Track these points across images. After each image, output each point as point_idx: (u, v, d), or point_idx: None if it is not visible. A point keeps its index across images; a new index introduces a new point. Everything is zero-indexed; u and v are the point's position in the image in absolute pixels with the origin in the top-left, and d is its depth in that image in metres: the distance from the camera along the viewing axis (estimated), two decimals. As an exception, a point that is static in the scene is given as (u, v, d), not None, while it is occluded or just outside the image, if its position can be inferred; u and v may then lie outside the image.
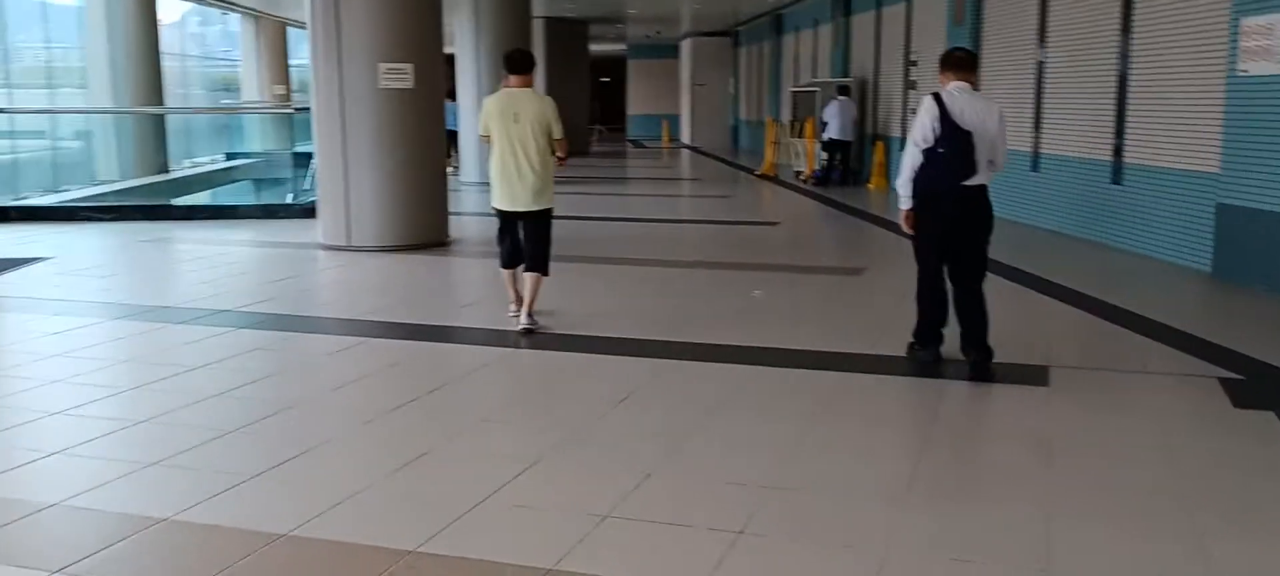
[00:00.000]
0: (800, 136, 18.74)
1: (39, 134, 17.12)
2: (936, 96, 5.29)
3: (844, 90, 17.37)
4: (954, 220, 5.36)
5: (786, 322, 7.04)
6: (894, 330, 6.19)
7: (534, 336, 6.47)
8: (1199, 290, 8.17)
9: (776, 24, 25.39)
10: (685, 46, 33.75)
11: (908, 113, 15.91)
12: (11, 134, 15.48)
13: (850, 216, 13.11)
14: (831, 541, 3.47)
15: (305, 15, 10.28)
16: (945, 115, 5.19)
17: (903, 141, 16.00)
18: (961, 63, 5.46)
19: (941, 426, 4.92)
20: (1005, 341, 5.81)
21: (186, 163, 23.49)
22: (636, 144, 33.46)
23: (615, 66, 40.86)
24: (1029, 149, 11.96)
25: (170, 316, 7.03)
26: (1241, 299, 7.69)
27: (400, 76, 9.90)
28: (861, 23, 18.52)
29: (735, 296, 7.96)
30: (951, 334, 5.69)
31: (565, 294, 7.76)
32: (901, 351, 5.91)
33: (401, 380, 5.65)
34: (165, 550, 3.41)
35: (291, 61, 30.72)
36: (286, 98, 28.87)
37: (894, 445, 4.62)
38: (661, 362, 5.82)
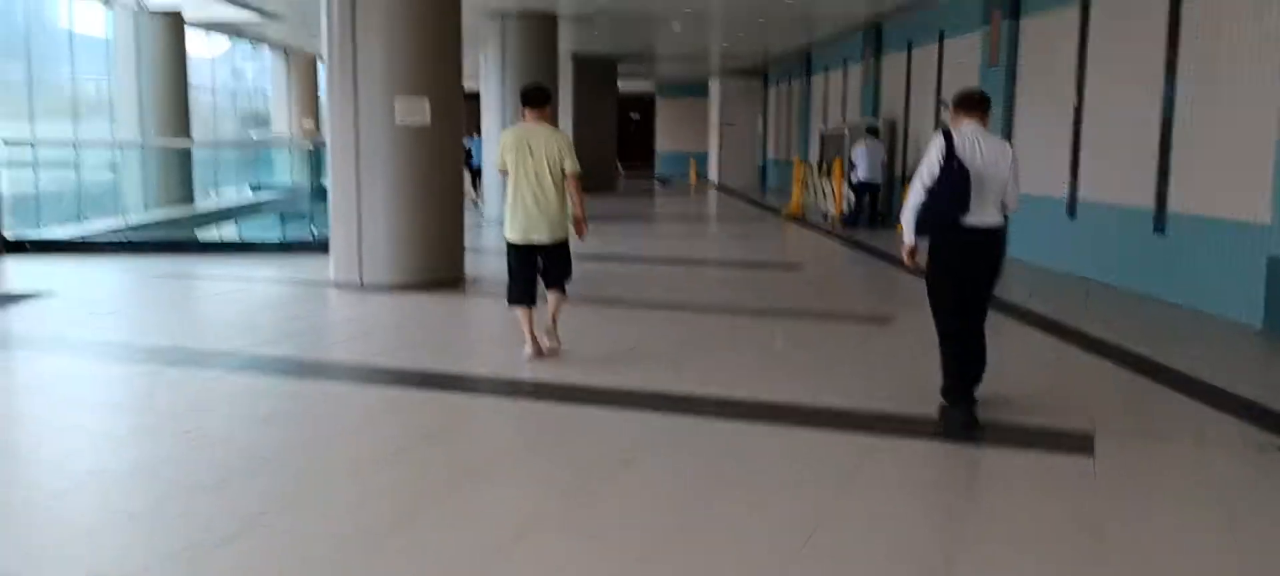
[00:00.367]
0: (828, 177, 18.39)
1: (65, 165, 17.06)
2: (946, 133, 5.27)
3: (873, 131, 17.02)
4: (966, 258, 5.30)
5: (809, 375, 6.65)
6: (923, 386, 5.81)
7: (539, 386, 6.15)
8: (1252, 347, 7.70)
9: (806, 64, 25.13)
10: (714, 85, 33.56)
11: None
12: (36, 165, 15.40)
13: (878, 261, 12.72)
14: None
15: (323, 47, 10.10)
16: (951, 152, 5.16)
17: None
18: (975, 103, 5.43)
19: (976, 505, 4.51)
20: (1044, 402, 5.41)
21: (213, 195, 23.50)
22: (664, 182, 33.22)
23: (644, 104, 40.78)
24: (1065, 194, 11.55)
25: (162, 358, 6.76)
26: (1296, 357, 7.24)
27: (417, 111, 9.66)
28: (892, 63, 18.20)
29: (755, 344, 7.60)
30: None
31: (577, 337, 7.48)
32: (931, 410, 5.53)
33: (392, 431, 5.32)
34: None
35: (322, 95, 30.80)
36: (315, 131, 28.90)
37: (922, 526, 4.21)
38: (672, 419, 5.46)
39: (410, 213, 9.77)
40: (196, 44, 24.89)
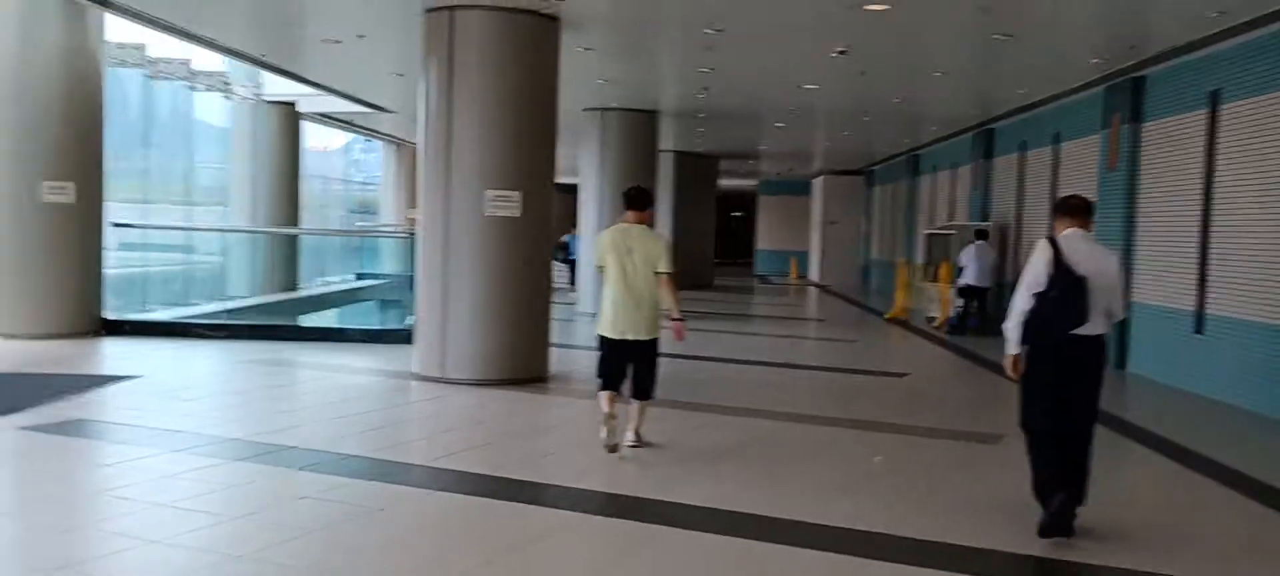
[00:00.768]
0: (934, 280, 17.71)
1: (175, 248, 17.55)
2: (1051, 240, 5.21)
3: (982, 234, 16.35)
4: (1067, 370, 5.16)
5: (908, 501, 6.09)
6: (1028, 517, 5.22)
7: (614, 499, 5.74)
8: None
9: (913, 164, 24.58)
10: (817, 184, 33.17)
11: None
12: (145, 248, 15.84)
13: (986, 371, 12.00)
14: None
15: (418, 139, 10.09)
16: (1059, 259, 5.08)
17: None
18: (1077, 209, 5.35)
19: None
20: (1175, 540, 4.76)
21: (320, 282, 23.97)
22: (763, 280, 32.77)
23: (746, 201, 40.60)
24: (1192, 307, 10.74)
25: (231, 451, 6.56)
26: None
27: (507, 204, 9.51)
28: (1003, 165, 17.56)
29: (850, 461, 7.06)
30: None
31: (664, 442, 7.10)
32: (1046, 551, 4.96)
33: (455, 548, 4.96)
34: None
35: (426, 186, 31.36)
36: (417, 221, 29.38)
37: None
38: (750, 545, 4.97)
39: (496, 306, 9.56)
40: (317, 136, 25.76)
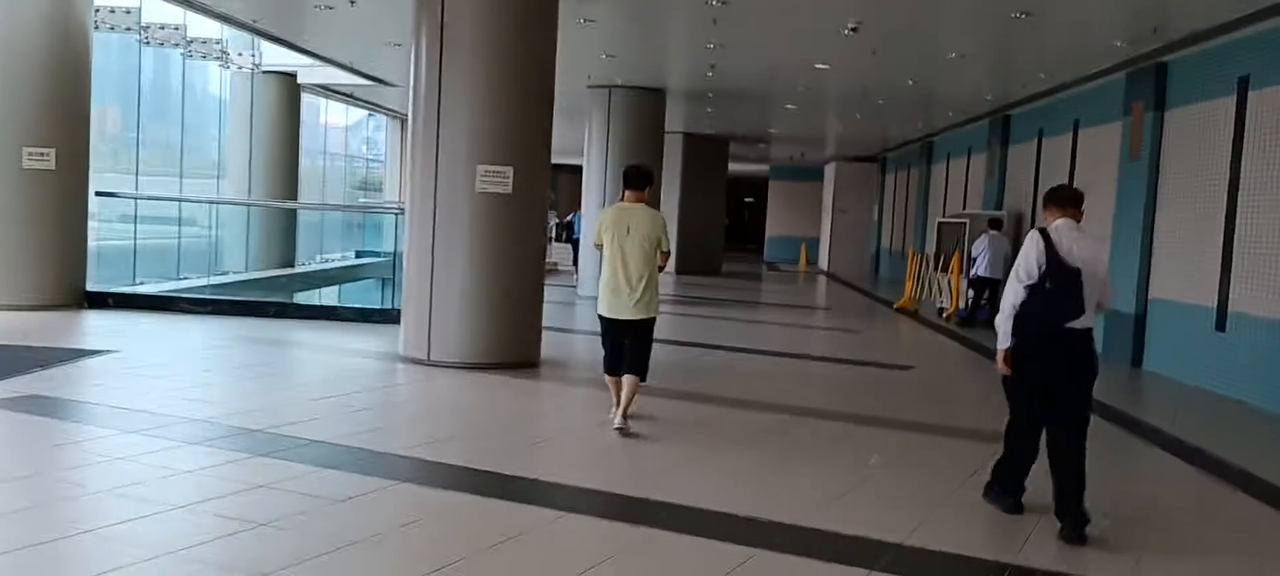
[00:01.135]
0: (945, 271, 17.24)
1: (169, 221, 17.17)
2: (1043, 231, 5.12)
3: (996, 224, 15.86)
4: (1058, 363, 5.10)
5: (910, 506, 5.67)
6: (1040, 530, 4.80)
7: (594, 497, 5.34)
8: None
9: (927, 151, 24.07)
10: (829, 170, 32.65)
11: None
12: (136, 219, 15.46)
13: (995, 364, 11.55)
14: None
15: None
16: (1052, 250, 5.01)
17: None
18: (1068, 199, 5.30)
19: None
20: (1189, 550, 4.34)
21: (319, 258, 23.60)
22: (772, 267, 32.31)
23: (757, 186, 40.13)
24: (1214, 303, 10.27)
25: (192, 434, 6.17)
26: None
27: (499, 179, 9.09)
28: (1020, 153, 17.05)
29: (848, 460, 6.64)
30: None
31: (652, 439, 6.70)
32: (1061, 565, 4.55)
33: (415, 542, 4.57)
34: None
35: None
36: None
37: None
38: (742, 552, 4.56)
39: (485, 287, 9.14)
40: (332, 112, 25.38)
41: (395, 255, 12.14)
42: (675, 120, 22.68)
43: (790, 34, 12.05)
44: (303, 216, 22.15)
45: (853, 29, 11.05)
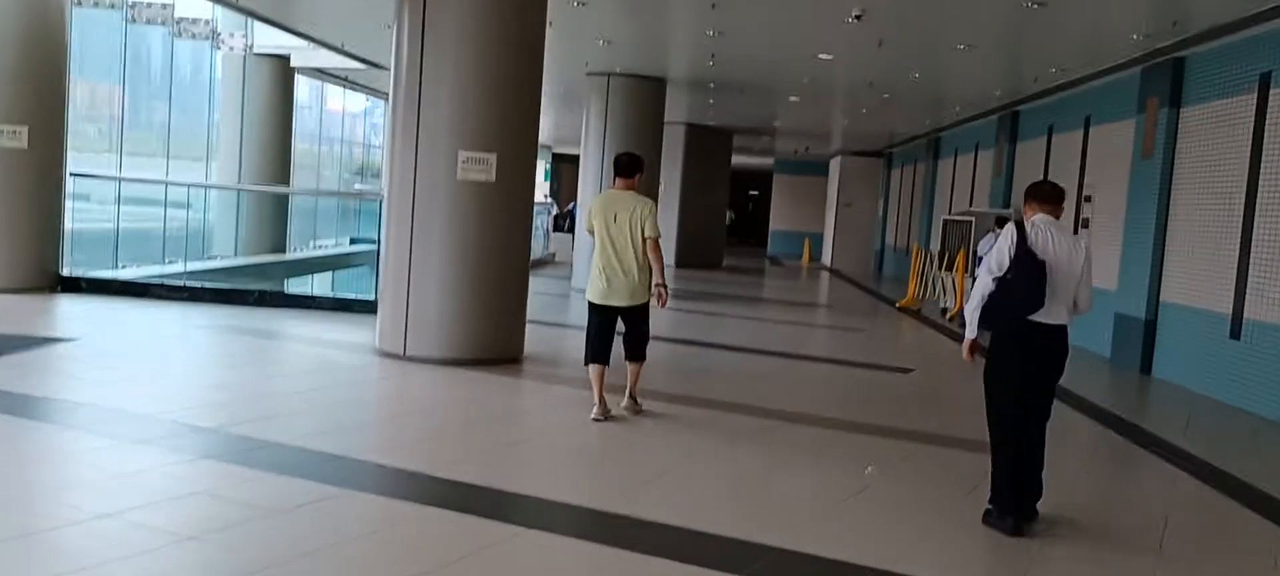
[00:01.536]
0: (949, 269, 16.79)
1: (154, 204, 16.77)
2: (1018, 224, 5.13)
3: (1003, 222, 15.38)
4: (1031, 358, 5.11)
5: (906, 526, 5.26)
6: (1049, 558, 4.38)
7: (571, 513, 4.92)
8: None
9: (933, 146, 23.59)
10: (835, 164, 32.19)
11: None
12: (119, 202, 15.06)
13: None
14: None
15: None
16: (1023, 243, 5.02)
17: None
18: (1048, 195, 5.30)
19: None
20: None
21: (314, 244, 23.21)
22: (774, 261, 31.85)
23: (762, 180, 39.67)
24: (1228, 309, 9.82)
25: (135, 431, 5.78)
26: None
27: (481, 167, 8.67)
28: (1029, 150, 16.58)
29: (841, 472, 6.22)
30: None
31: (634, 444, 6.31)
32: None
33: (360, 559, 4.16)
34: None
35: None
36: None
37: None
38: (711, 577, 4.16)
39: (465, 279, 8.74)
40: (340, 99, 24.98)
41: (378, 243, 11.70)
42: (677, 111, 22.23)
43: (791, 22, 11.61)
44: (297, 202, 21.76)
45: (856, 17, 10.59)
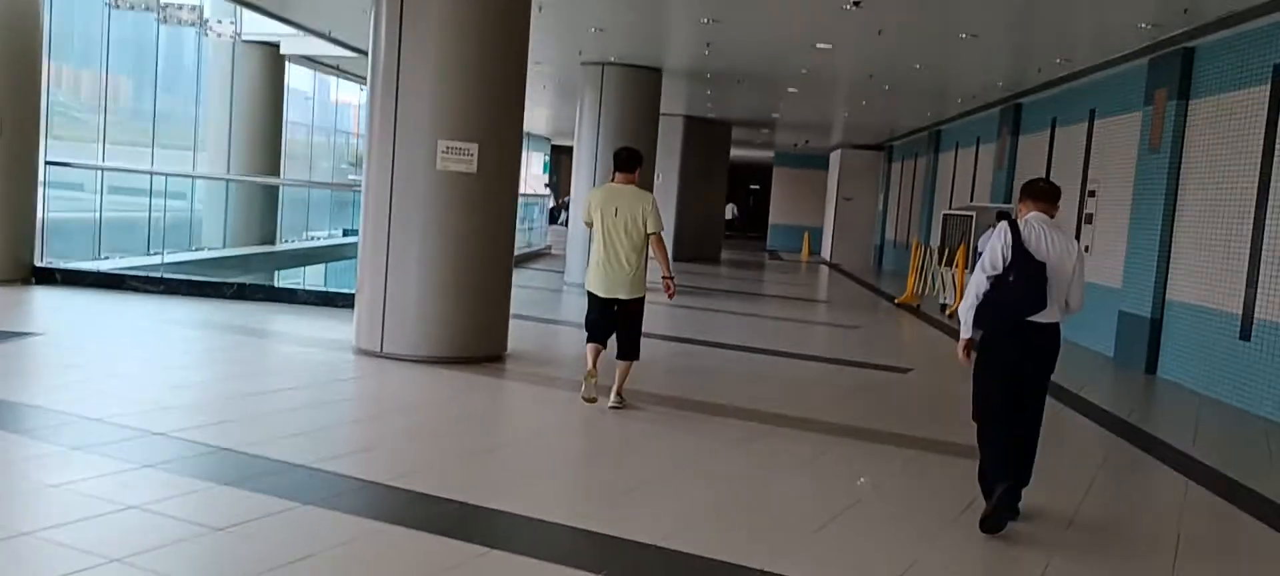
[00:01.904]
0: (950, 265, 16.43)
1: (139, 193, 16.42)
2: (1011, 222, 5.09)
3: (1004, 217, 15.01)
4: (1024, 357, 5.05)
5: (900, 544, 4.92)
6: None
7: (539, 525, 4.57)
8: None
9: (934, 140, 23.22)
10: (835, 157, 31.81)
11: (1080, 250, 13.46)
12: (101, 191, 14.73)
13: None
14: None
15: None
16: (1018, 242, 4.98)
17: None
18: (1043, 193, 5.25)
19: None
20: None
21: (306, 236, 22.85)
22: (774, 255, 31.49)
23: (762, 173, 39.33)
24: (1238, 309, 9.47)
25: (75, 437, 5.42)
26: None
27: (462, 157, 8.31)
28: (1031, 144, 16.22)
29: (832, 482, 5.88)
30: None
31: (615, 450, 6.08)
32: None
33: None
34: None
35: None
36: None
37: None
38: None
39: (445, 274, 8.39)
40: (342, 90, 24.61)
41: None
42: (675, 102, 21.86)
43: (788, 9, 11.24)
44: (289, 193, 21.41)
45: (855, 4, 10.23)
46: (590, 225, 7.12)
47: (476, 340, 8.59)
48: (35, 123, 11.17)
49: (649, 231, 6.98)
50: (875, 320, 15.69)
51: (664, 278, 7.14)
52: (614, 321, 7.13)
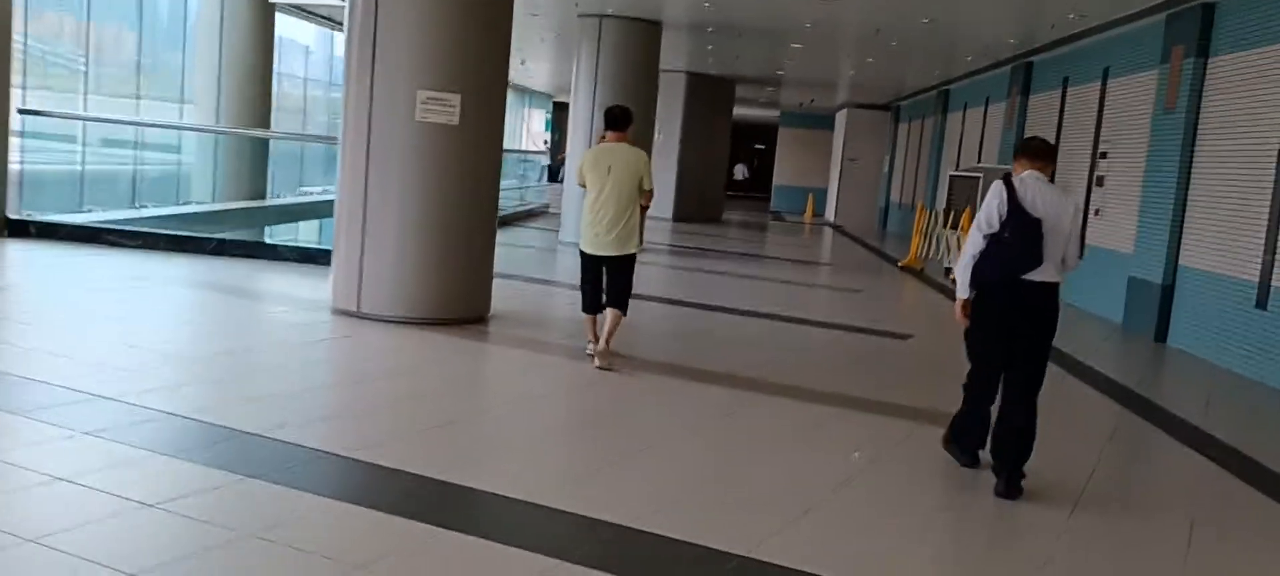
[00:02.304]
0: (955, 228, 16.00)
1: (125, 144, 16.01)
2: (1006, 180, 5.05)
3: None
4: (1019, 316, 5.01)
5: (893, 529, 4.57)
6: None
7: (504, 502, 4.23)
8: None
9: (943, 99, 22.70)
10: (841, 117, 31.26)
11: (1090, 214, 13.07)
12: (84, 143, 14.33)
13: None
14: None
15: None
16: (1014, 200, 4.94)
17: (1080, 245, 13.17)
18: (1038, 151, 5.22)
19: None
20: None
21: (300, 191, 22.44)
22: (777, 217, 31.03)
23: (768, 133, 38.78)
24: (1254, 277, 9.08)
25: (21, 399, 5.09)
26: None
27: (443, 108, 7.90)
28: (1042, 103, 15.73)
29: (824, 456, 5.53)
30: None
31: (596, 420, 5.85)
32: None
33: (232, 566, 3.48)
34: None
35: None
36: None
37: None
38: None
39: (424, 232, 8.00)
40: (332, 44, 24.03)
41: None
42: (676, 57, 21.37)
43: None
44: (282, 147, 20.95)
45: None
46: (583, 186, 7.09)
47: (458, 301, 8.22)
48: (5, 69, 10.74)
49: (645, 188, 6.98)
50: (877, 284, 15.30)
51: (642, 204, 7.09)
52: (603, 282, 7.12)
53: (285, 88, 24.10)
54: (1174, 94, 10.77)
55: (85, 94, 15.13)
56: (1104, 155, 12.93)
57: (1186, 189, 10.50)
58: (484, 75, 8.21)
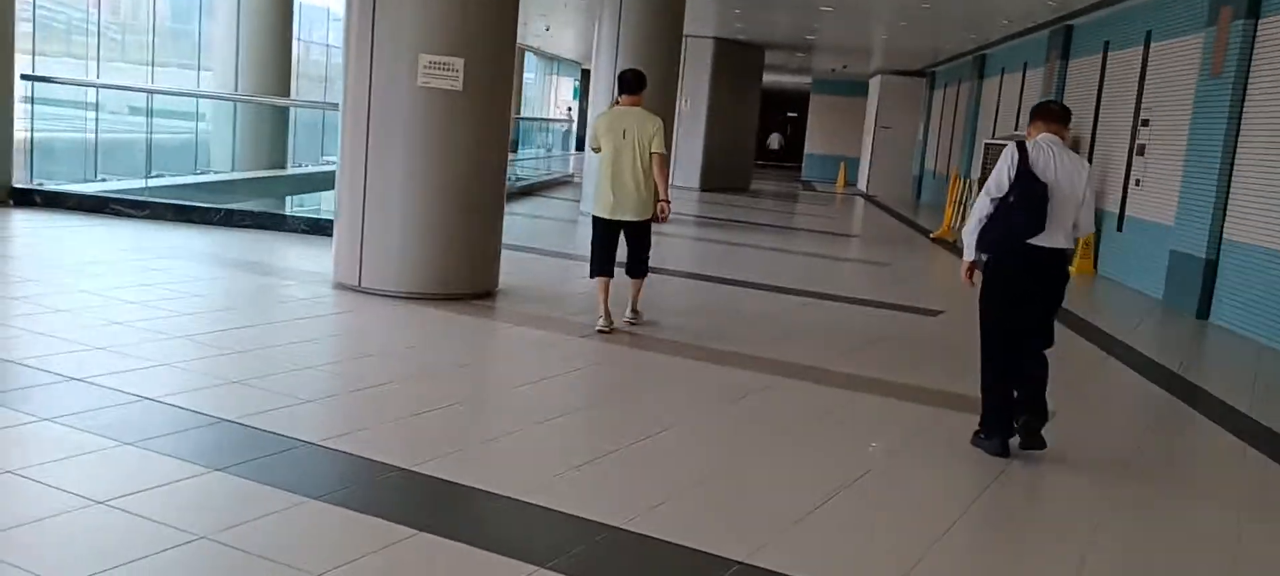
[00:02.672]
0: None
1: (138, 113, 15.78)
2: (1020, 144, 4.98)
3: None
4: (1031, 280, 4.98)
5: (915, 523, 4.21)
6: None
7: (495, 500, 3.91)
8: None
9: (979, 65, 22.04)
10: (874, 84, 30.60)
11: (1130, 184, 12.53)
12: (98, 110, 14.12)
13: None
14: None
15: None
16: (1024, 163, 4.88)
17: (1119, 217, 12.66)
18: (1053, 114, 5.15)
19: None
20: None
21: (323, 160, 22.21)
22: (807, 186, 30.48)
23: (801, 102, 38.14)
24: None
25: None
26: None
27: (446, 73, 7.55)
28: (1082, 68, 15.13)
29: (843, 446, 5.17)
30: None
31: (599, 403, 5.64)
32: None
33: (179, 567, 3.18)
34: None
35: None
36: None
37: None
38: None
39: (427, 203, 7.68)
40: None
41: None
42: (704, 23, 20.89)
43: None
44: (305, 115, 20.69)
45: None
46: (598, 150, 7.07)
47: (463, 275, 7.90)
48: (8, 36, 10.51)
49: (654, 151, 6.91)
50: (908, 256, 14.83)
51: (660, 201, 7.04)
52: (616, 247, 7.16)
53: (313, 55, 23.85)
54: (1220, 58, 10.21)
55: (98, 62, 14.91)
56: (1145, 123, 12.36)
57: (1232, 159, 9.96)
58: (491, 39, 7.84)
